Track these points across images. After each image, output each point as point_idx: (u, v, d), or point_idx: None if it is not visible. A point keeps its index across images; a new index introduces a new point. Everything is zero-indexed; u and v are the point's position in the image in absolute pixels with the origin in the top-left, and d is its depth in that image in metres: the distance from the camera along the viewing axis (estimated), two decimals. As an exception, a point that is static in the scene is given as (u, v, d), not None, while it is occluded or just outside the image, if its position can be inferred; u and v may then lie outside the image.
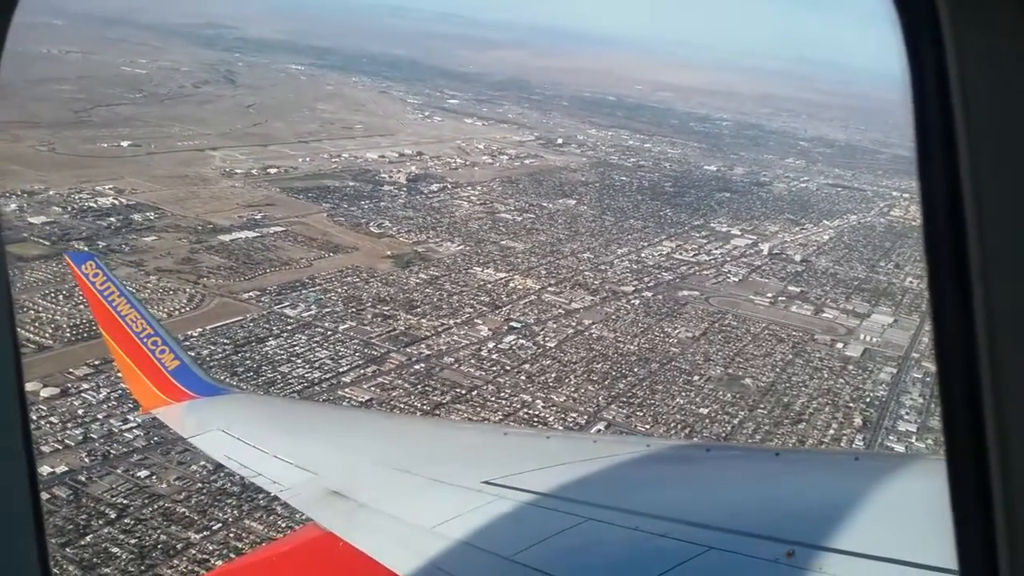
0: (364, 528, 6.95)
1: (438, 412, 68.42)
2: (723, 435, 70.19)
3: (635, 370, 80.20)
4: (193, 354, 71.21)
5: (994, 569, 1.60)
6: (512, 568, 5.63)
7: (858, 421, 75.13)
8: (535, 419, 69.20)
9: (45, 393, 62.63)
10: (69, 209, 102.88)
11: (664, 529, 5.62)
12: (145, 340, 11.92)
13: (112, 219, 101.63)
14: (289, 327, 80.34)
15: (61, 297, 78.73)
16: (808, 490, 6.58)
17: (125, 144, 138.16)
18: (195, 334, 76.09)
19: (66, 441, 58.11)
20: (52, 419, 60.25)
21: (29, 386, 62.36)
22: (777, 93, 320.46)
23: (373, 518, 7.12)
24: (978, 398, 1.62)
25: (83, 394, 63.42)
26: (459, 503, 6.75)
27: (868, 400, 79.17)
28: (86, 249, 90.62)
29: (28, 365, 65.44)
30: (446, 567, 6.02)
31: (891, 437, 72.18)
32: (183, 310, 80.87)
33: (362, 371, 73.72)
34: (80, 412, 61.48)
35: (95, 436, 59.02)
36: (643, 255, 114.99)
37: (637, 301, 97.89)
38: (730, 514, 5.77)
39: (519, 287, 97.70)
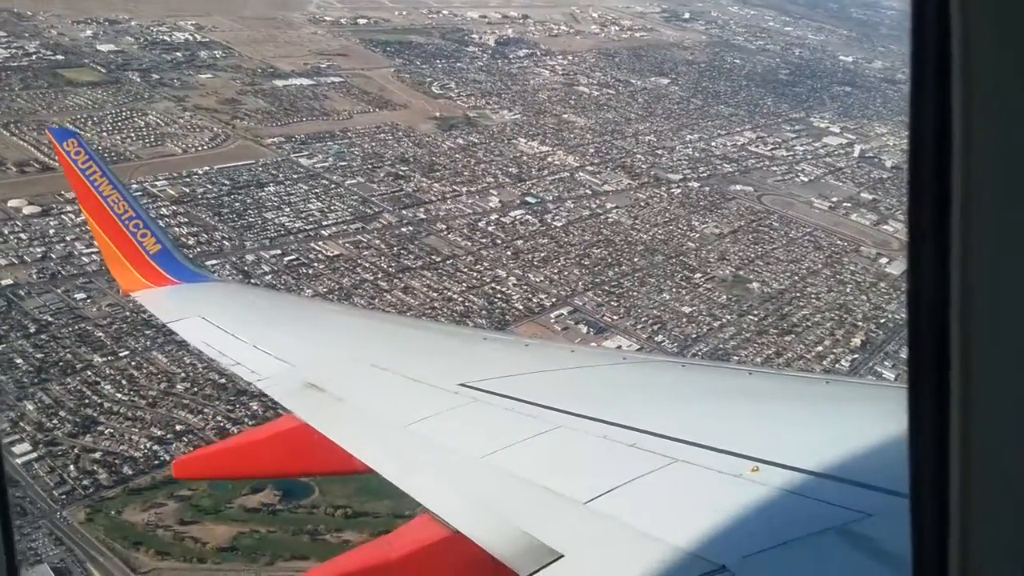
0: (340, 421, 7.09)
1: (400, 276, 68.02)
2: (694, 336, 66.52)
3: (634, 260, 76.60)
4: (188, 191, 73.76)
5: (944, 498, 1.71)
6: (481, 468, 5.83)
7: (857, 341, 69.29)
8: (498, 295, 67.70)
9: (27, 211, 66.29)
10: (141, 41, 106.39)
11: (633, 440, 5.72)
12: (127, 223, 11.62)
13: (178, 54, 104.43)
14: (296, 176, 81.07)
15: (91, 123, 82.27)
16: (777, 410, 6.73)
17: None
18: (200, 172, 78.06)
19: (24, 257, 61.61)
20: (22, 235, 63.89)
21: (14, 203, 66.38)
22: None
23: (349, 412, 7.28)
24: (946, 333, 1.69)
25: (63, 216, 66.54)
26: (435, 403, 6.89)
27: (882, 321, 72.58)
28: (142, 78, 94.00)
29: (27, 184, 69.38)
30: (418, 463, 6.28)
31: (887, 363, 66.22)
32: (200, 148, 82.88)
33: (346, 227, 73.85)
34: (51, 232, 64.79)
35: (54, 256, 62.22)
36: (713, 144, 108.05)
37: (678, 190, 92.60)
38: (699, 429, 5.82)
39: (556, 163, 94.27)
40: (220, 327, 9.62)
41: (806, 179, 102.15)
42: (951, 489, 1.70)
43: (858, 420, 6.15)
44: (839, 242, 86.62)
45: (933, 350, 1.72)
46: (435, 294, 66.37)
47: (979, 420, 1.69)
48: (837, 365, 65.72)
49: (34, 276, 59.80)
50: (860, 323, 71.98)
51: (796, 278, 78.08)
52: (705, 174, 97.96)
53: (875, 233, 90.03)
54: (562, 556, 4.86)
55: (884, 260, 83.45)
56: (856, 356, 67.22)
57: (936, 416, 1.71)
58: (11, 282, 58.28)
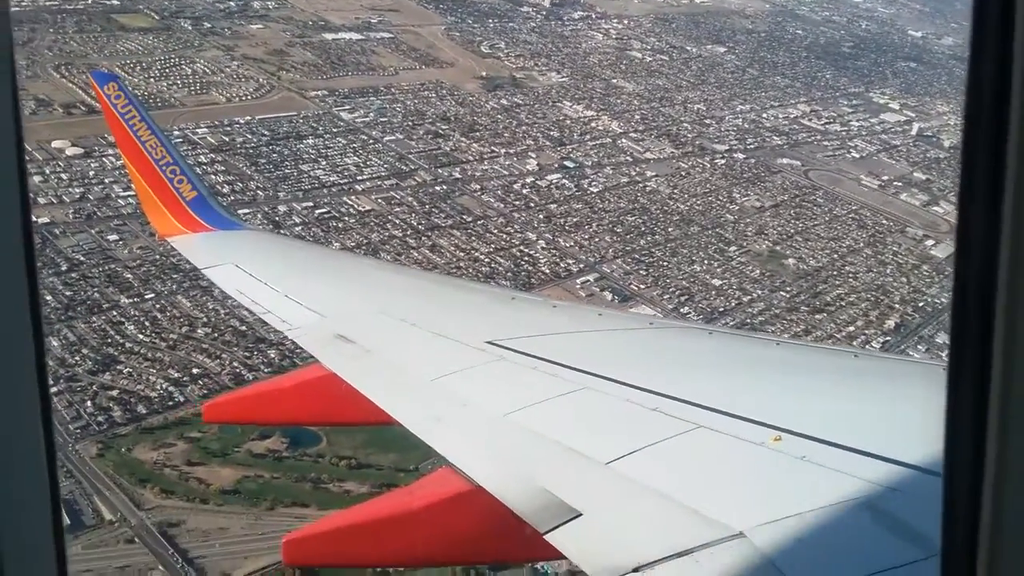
0: (367, 373, 7.26)
1: (429, 234, 68.16)
2: (721, 310, 65.67)
3: (668, 230, 75.62)
4: (228, 140, 74.55)
5: (978, 482, 1.69)
6: (504, 425, 5.97)
7: (890, 324, 67.76)
8: (525, 257, 67.49)
9: (70, 152, 67.77)
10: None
11: (656, 404, 5.84)
12: (164, 168, 11.97)
13: (231, 3, 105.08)
14: (335, 129, 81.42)
15: (139, 68, 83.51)
16: (803, 381, 6.82)
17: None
18: (242, 121, 78.86)
19: (63, 197, 63.12)
20: (63, 175, 65.41)
21: (58, 143, 67.83)
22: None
23: (377, 365, 7.45)
24: (990, 321, 1.63)
25: (104, 158, 67.78)
26: (461, 359, 7.01)
27: (920, 305, 70.75)
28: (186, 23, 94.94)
29: (72, 125, 70.80)
30: (443, 417, 6.41)
31: (920, 346, 64.80)
32: (244, 97, 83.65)
33: (380, 183, 74.13)
34: (91, 174, 66.15)
35: (91, 197, 63.59)
36: (764, 115, 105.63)
37: (722, 161, 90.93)
38: (723, 396, 5.94)
39: (600, 128, 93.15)
40: (253, 276, 9.80)
41: (858, 156, 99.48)
42: (986, 475, 1.65)
43: (884, 395, 6.25)
44: (886, 222, 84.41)
45: (976, 337, 1.63)
46: (462, 253, 66.44)
47: (1018, 409, 1.63)
48: (867, 347, 64.26)
49: (70, 216, 61.29)
50: (896, 305, 70.29)
51: (835, 256, 76.44)
52: (752, 146, 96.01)
53: (924, 214, 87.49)
54: (581, 515, 4.96)
55: (930, 242, 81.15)
56: (888, 339, 65.80)
57: (975, 405, 1.65)
58: (48, 220, 59.71)
